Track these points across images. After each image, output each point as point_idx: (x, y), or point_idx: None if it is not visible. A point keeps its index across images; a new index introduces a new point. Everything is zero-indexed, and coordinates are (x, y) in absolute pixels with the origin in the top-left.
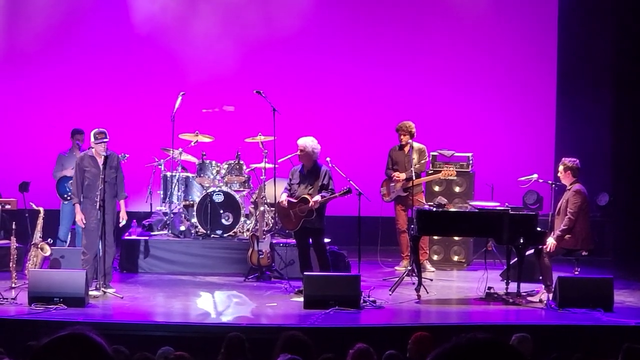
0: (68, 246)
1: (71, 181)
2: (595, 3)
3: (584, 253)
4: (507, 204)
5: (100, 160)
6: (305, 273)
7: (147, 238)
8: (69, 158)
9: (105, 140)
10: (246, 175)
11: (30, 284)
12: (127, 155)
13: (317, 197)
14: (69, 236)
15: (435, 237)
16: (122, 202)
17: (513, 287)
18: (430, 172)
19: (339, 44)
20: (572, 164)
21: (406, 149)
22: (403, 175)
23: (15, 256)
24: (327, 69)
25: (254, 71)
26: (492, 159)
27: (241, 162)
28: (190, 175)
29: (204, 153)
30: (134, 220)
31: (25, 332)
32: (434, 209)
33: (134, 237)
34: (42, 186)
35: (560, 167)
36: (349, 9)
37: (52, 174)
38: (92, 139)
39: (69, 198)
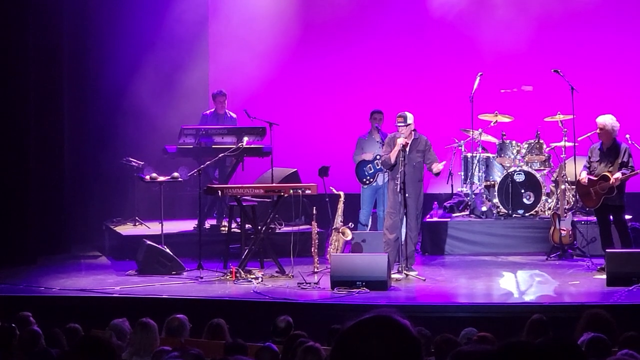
0: (369, 230)
1: (369, 165)
2: None
3: None
4: None
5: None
6: (607, 250)
7: (448, 220)
8: (368, 141)
9: (401, 124)
10: (546, 154)
11: (333, 268)
12: None
13: (618, 175)
14: (370, 220)
15: None
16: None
17: None
18: None
19: None
20: None
21: None
22: None
23: (317, 241)
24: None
25: (551, 49)
26: None
27: (541, 141)
28: (490, 155)
29: (504, 133)
30: (435, 202)
31: (328, 315)
32: None
33: (435, 219)
34: (342, 170)
35: None
36: None
37: (352, 158)
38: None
39: (367, 182)
